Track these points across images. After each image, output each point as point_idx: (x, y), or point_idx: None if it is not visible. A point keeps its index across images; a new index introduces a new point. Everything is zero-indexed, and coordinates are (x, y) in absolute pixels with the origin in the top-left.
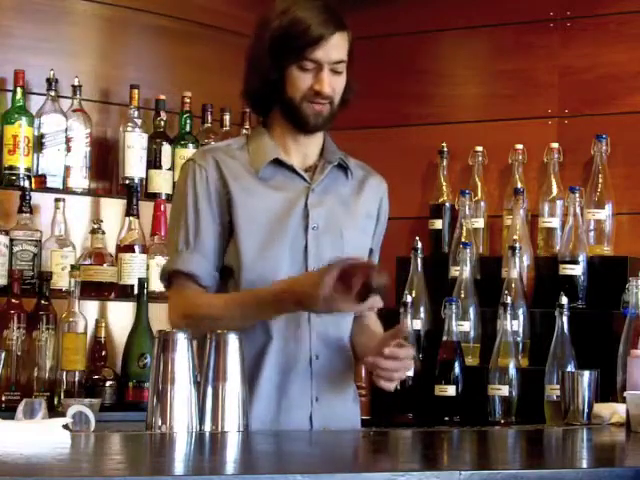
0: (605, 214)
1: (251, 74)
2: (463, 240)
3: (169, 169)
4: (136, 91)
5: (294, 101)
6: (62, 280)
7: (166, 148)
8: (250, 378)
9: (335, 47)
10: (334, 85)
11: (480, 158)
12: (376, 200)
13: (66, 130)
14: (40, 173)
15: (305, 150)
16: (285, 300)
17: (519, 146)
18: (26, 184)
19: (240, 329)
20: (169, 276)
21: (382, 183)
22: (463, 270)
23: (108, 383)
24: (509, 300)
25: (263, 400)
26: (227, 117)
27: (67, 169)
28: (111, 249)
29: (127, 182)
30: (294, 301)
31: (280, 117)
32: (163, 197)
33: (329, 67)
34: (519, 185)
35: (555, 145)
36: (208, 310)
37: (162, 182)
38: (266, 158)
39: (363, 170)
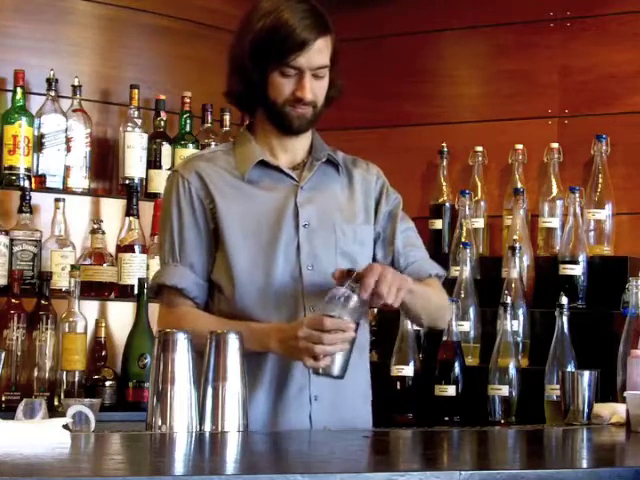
0: (605, 214)
1: (233, 75)
2: (463, 240)
3: (169, 169)
4: (136, 91)
5: (277, 104)
6: (62, 280)
7: (166, 148)
8: (248, 379)
9: (317, 53)
10: (316, 90)
11: (480, 158)
12: (370, 187)
13: (66, 130)
14: (40, 173)
15: (292, 150)
16: (269, 335)
17: (519, 146)
18: (26, 184)
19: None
20: (158, 289)
21: (372, 168)
22: (463, 270)
23: (108, 383)
24: (509, 300)
25: (261, 401)
26: (227, 117)
27: (67, 169)
28: (111, 249)
29: (127, 182)
30: (277, 338)
31: (265, 118)
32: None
33: (311, 73)
34: (519, 185)
35: (555, 145)
36: (195, 328)
37: (162, 182)
38: (251, 161)
39: (353, 162)
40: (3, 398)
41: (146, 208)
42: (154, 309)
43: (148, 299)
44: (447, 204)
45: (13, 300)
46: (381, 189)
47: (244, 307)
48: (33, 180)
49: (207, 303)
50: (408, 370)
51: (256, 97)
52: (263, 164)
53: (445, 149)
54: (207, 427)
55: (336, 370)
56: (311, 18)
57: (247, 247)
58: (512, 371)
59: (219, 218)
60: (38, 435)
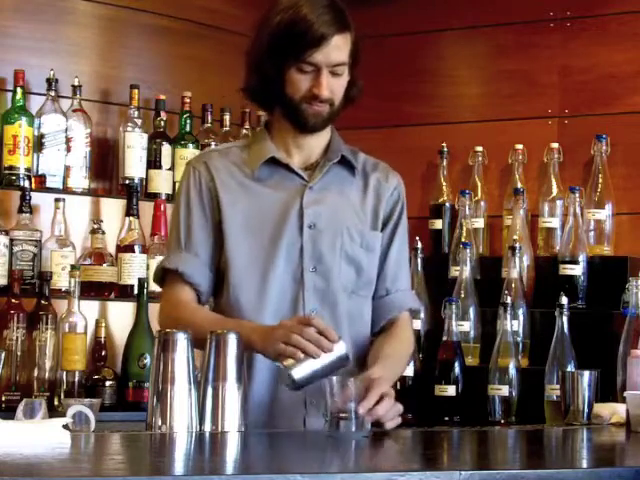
0: (605, 214)
1: (251, 71)
2: (463, 240)
3: (169, 169)
4: (136, 91)
5: (293, 101)
6: (62, 280)
7: (166, 148)
8: None
9: (335, 49)
10: (333, 88)
11: (480, 158)
12: (383, 195)
13: (66, 130)
14: (40, 173)
15: (308, 148)
16: (255, 330)
17: (519, 146)
18: (26, 184)
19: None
20: (162, 275)
21: (393, 179)
22: (463, 270)
23: (108, 383)
24: (509, 300)
25: (256, 405)
26: (227, 117)
27: (67, 169)
28: (111, 249)
29: (127, 182)
30: (259, 332)
31: (282, 116)
32: (163, 197)
33: (328, 69)
34: (519, 185)
35: (555, 145)
36: (190, 321)
37: (162, 182)
38: (262, 158)
39: (373, 166)
40: (3, 398)
41: (146, 208)
42: (154, 309)
43: (148, 299)
44: (447, 204)
45: (13, 300)
46: (396, 201)
47: (239, 306)
48: (33, 180)
49: (213, 298)
50: (408, 370)
51: (273, 94)
52: (274, 162)
53: (445, 149)
54: (207, 427)
55: (297, 372)
56: (330, 14)
57: (247, 244)
58: (512, 371)
59: (222, 213)
60: (38, 435)
